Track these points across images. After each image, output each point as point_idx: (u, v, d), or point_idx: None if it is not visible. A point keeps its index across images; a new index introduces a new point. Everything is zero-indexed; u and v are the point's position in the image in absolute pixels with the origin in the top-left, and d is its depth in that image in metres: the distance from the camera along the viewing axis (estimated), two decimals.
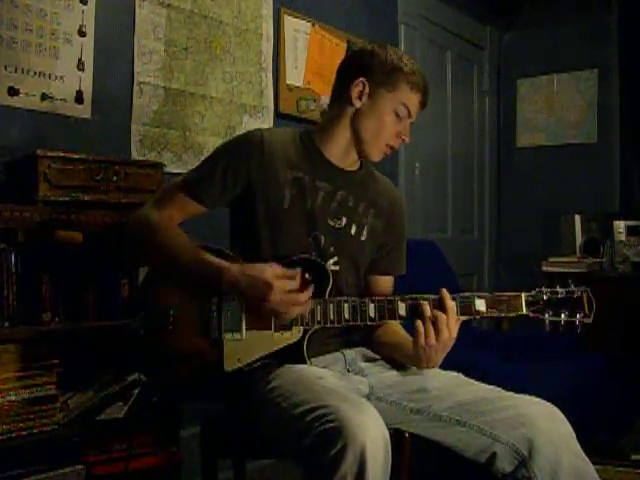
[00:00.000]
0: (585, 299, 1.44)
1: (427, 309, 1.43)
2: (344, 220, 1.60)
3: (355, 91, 1.57)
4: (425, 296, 1.45)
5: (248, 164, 1.54)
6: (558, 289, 1.45)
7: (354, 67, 1.61)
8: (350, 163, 1.64)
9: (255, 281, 1.39)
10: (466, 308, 1.44)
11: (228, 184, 1.55)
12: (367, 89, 1.56)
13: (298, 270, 1.43)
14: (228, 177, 1.55)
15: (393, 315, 1.47)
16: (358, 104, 1.57)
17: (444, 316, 1.42)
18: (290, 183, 1.56)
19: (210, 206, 1.58)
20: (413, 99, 1.58)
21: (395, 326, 1.64)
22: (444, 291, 1.44)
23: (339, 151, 1.62)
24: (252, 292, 1.41)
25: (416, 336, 1.44)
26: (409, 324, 1.49)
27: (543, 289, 1.46)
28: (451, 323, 1.42)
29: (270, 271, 1.40)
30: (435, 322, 1.42)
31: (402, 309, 1.46)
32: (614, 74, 4.19)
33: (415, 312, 1.45)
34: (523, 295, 1.45)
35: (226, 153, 1.58)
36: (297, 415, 1.27)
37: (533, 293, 1.45)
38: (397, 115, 1.57)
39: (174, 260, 1.50)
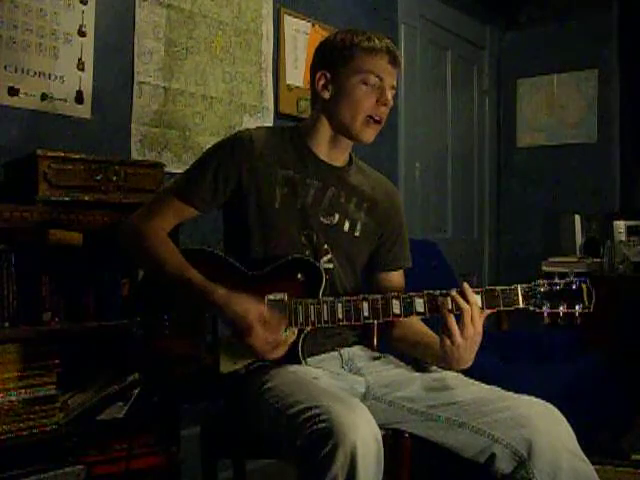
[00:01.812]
0: (584, 290, 1.42)
1: (448, 304, 1.41)
2: (336, 217, 1.60)
3: (319, 85, 1.58)
4: (444, 292, 1.43)
5: (238, 165, 1.54)
6: (556, 280, 1.43)
7: (314, 63, 1.62)
8: (339, 158, 1.64)
9: (237, 319, 1.39)
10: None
11: (219, 186, 1.55)
12: (328, 77, 1.56)
13: (284, 319, 1.42)
14: (219, 179, 1.54)
15: (387, 313, 1.45)
16: (326, 95, 1.57)
17: (469, 310, 1.40)
18: (281, 182, 1.56)
19: (202, 209, 1.57)
20: (378, 62, 1.53)
21: (418, 324, 1.61)
22: (466, 285, 1.42)
23: (326, 146, 1.61)
24: (233, 326, 1.41)
25: (441, 336, 1.43)
26: (434, 323, 1.47)
27: (540, 281, 1.43)
28: (475, 317, 1.40)
29: (254, 313, 1.38)
30: (459, 318, 1.40)
31: (420, 305, 1.44)
32: (614, 74, 4.19)
33: (435, 308, 1.43)
34: (519, 288, 1.43)
35: (216, 155, 1.58)
36: (290, 415, 1.28)
37: (530, 286, 1.43)
38: (367, 84, 1.53)
39: (161, 274, 1.50)
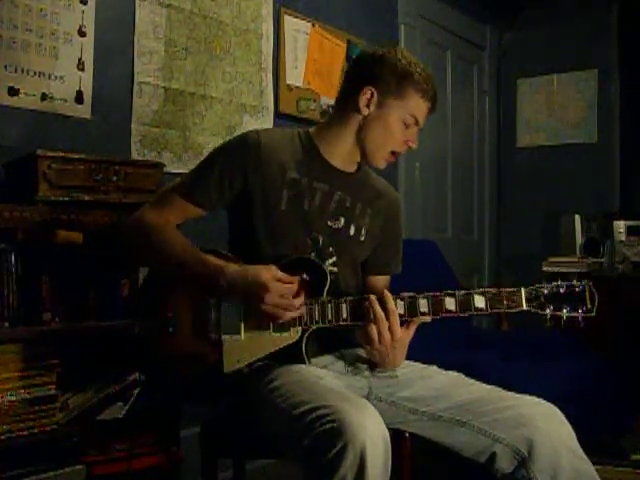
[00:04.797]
0: (587, 293, 1.42)
1: (369, 312, 1.44)
2: (342, 221, 1.60)
3: (363, 99, 1.55)
4: (373, 297, 1.45)
5: (245, 167, 1.54)
6: (559, 283, 1.43)
7: (363, 74, 1.58)
8: (350, 165, 1.64)
9: (252, 282, 1.40)
10: (465, 305, 1.43)
11: (225, 187, 1.55)
12: (375, 98, 1.55)
13: (296, 277, 1.44)
14: (225, 180, 1.54)
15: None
16: (366, 112, 1.56)
17: (383, 319, 1.42)
18: (287, 185, 1.56)
19: (207, 209, 1.58)
20: (422, 107, 1.57)
21: None
22: (386, 292, 1.45)
23: (341, 155, 1.61)
24: (249, 293, 1.42)
25: (364, 340, 1.46)
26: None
27: (544, 284, 1.44)
28: (394, 325, 1.43)
29: (267, 273, 1.41)
30: (377, 325, 1.43)
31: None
32: (614, 74, 4.19)
33: (359, 314, 1.45)
34: (523, 290, 1.44)
35: (223, 155, 1.57)
36: (297, 415, 1.27)
37: (533, 288, 1.43)
38: (405, 124, 1.56)
39: (172, 260, 1.51)
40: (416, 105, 1.56)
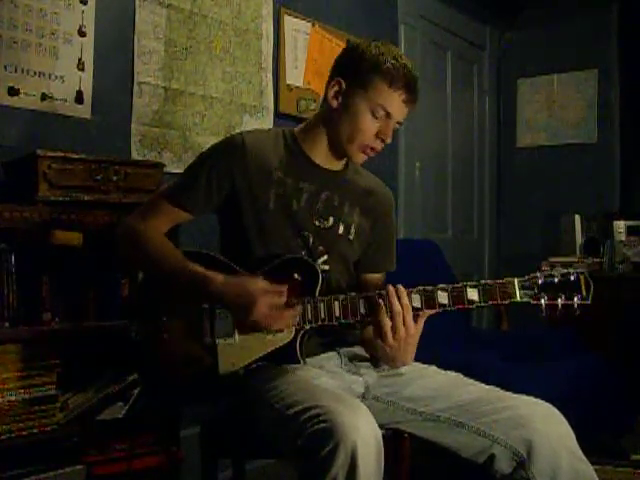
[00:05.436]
0: (582, 281, 1.40)
1: (382, 306, 1.41)
2: (331, 220, 1.60)
3: (332, 91, 1.54)
4: (378, 292, 1.43)
5: (231, 170, 1.54)
6: (553, 272, 1.42)
7: (336, 66, 1.59)
8: (335, 163, 1.63)
9: (240, 294, 1.39)
10: (458, 298, 1.41)
11: (212, 191, 1.55)
12: (343, 88, 1.53)
13: (284, 287, 1.42)
14: (212, 184, 1.54)
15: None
16: (334, 104, 1.54)
17: (400, 312, 1.40)
18: (274, 185, 1.55)
19: (196, 214, 1.58)
20: (393, 97, 1.49)
21: None
22: (400, 286, 1.42)
23: (323, 151, 1.60)
24: (236, 304, 1.41)
25: (374, 336, 1.44)
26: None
27: (538, 274, 1.42)
28: (408, 320, 1.41)
29: (254, 285, 1.39)
30: (393, 320, 1.40)
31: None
32: (614, 74, 4.19)
33: (371, 310, 1.43)
34: (516, 281, 1.42)
35: (209, 160, 1.57)
36: (291, 416, 1.28)
37: (527, 278, 1.42)
38: (374, 116, 1.51)
39: (160, 270, 1.51)
40: (385, 95, 1.49)
